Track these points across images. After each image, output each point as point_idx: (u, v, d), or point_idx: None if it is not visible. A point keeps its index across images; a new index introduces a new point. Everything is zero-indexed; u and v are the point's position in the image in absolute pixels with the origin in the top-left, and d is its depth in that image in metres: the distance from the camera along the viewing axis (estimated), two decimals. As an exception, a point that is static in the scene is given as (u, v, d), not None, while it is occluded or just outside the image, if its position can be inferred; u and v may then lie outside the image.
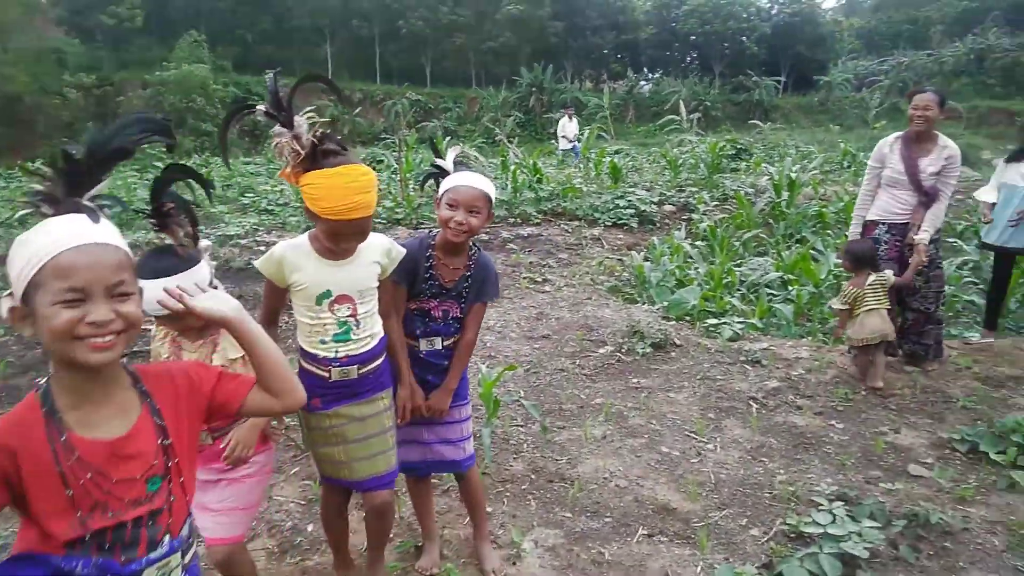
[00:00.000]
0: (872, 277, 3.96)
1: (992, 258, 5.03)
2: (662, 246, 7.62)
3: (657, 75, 48.72)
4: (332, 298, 1.96)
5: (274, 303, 2.05)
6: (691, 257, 7.18)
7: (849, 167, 12.77)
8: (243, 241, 7.55)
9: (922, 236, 3.94)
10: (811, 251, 7.28)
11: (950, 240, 8.13)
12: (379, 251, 2.05)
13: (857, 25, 61.54)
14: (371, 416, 2.07)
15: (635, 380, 4.26)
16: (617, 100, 40.26)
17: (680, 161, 11.60)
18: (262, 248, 7.22)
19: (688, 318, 5.65)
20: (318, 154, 1.81)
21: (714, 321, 5.25)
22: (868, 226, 4.26)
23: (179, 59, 32.57)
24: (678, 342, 4.81)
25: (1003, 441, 3.20)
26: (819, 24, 44.60)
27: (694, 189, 10.29)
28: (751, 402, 3.92)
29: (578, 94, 38.85)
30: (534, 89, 40.35)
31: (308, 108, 1.88)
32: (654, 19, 43.56)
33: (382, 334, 2.11)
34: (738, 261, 7.65)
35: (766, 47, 42.37)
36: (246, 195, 10.89)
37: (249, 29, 39.00)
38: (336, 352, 1.99)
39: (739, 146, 14.53)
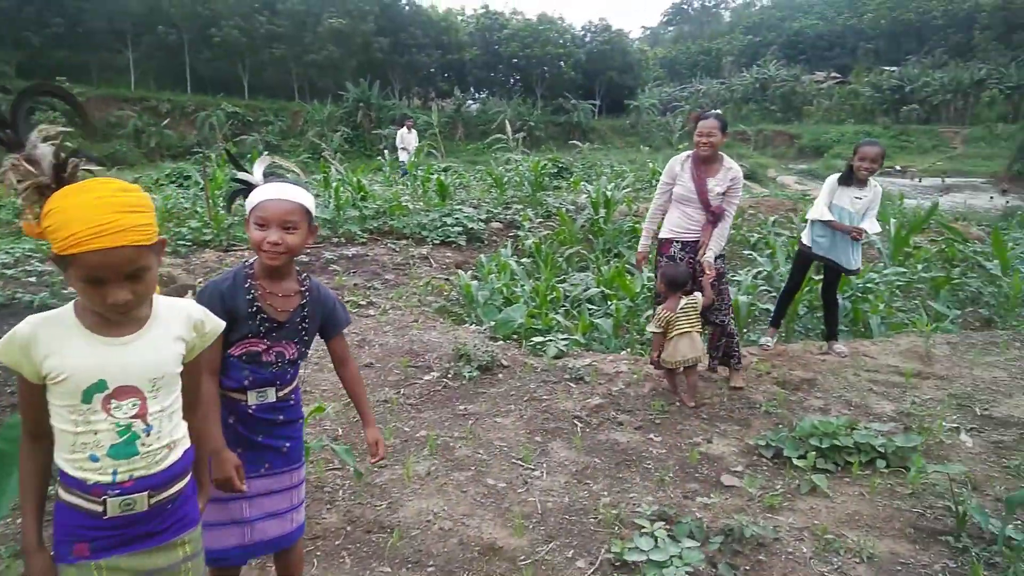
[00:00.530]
0: (683, 300, 4.08)
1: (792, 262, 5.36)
2: (490, 264, 7.60)
3: (484, 95, 49.77)
4: (108, 392, 1.34)
5: (34, 408, 1.38)
6: (517, 274, 7.21)
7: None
8: (10, 272, 6.46)
9: (708, 256, 4.14)
10: (627, 265, 7.59)
11: (746, 252, 8.87)
12: (183, 322, 1.48)
13: (660, 54, 67.11)
14: (166, 571, 1.45)
15: (462, 407, 4.10)
16: (446, 118, 40.55)
17: (505, 179, 11.77)
18: (32, 280, 6.25)
19: (515, 336, 5.61)
20: (64, 182, 1.32)
21: (540, 339, 5.25)
22: (664, 244, 4.36)
23: (-56, 60, 28.22)
24: (505, 363, 4.73)
25: (803, 444, 3.40)
26: (628, 52, 47.86)
27: (520, 206, 10.45)
28: (576, 421, 3.90)
29: (407, 111, 38.61)
30: (361, 104, 39.51)
31: (37, 128, 1.45)
32: (477, 40, 44.46)
33: (187, 444, 1.50)
34: (562, 277, 7.81)
35: (581, 72, 44.73)
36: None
37: (36, 31, 34.65)
38: (114, 474, 1.36)
39: (560, 165, 15.08)
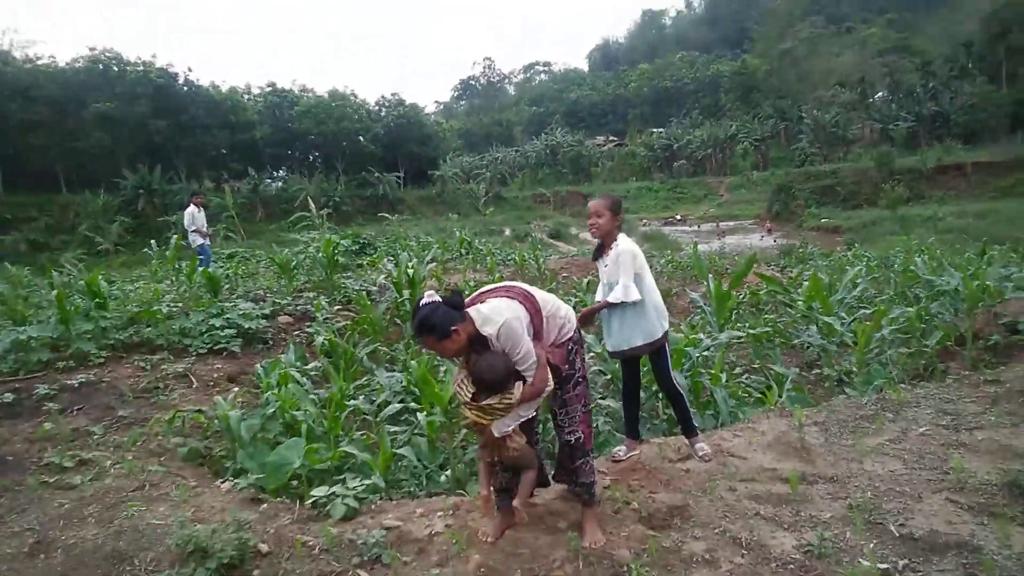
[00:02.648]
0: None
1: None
2: (269, 375, 5.86)
3: (282, 173, 47.16)
4: None
5: None
6: (303, 386, 5.54)
7: (467, 254, 12.62)
8: None
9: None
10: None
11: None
12: None
13: (456, 126, 68.66)
14: None
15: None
16: (242, 199, 37.57)
17: (294, 263, 9.98)
18: None
19: (292, 488, 4.00)
20: None
21: (323, 491, 3.67)
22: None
23: None
24: (265, 548, 3.11)
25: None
26: (424, 125, 48.04)
27: (312, 294, 8.79)
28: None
29: (196, 189, 35.19)
30: (142, 191, 35.49)
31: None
32: (267, 119, 42.16)
33: None
34: (365, 379, 6.29)
35: (381, 145, 44.03)
36: None
37: None
38: None
39: (362, 240, 13.60)
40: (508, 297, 2.91)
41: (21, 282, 7.75)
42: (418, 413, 4.78)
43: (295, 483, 4.04)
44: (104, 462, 4.32)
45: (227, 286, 10.07)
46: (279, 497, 3.95)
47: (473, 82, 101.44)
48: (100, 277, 8.24)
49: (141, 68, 36.50)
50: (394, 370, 6.42)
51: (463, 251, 13.16)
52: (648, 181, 52.97)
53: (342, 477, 3.98)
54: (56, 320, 6.83)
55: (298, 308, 8.37)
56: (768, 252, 18.39)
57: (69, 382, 5.93)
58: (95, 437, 4.76)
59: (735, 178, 51.48)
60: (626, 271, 3.71)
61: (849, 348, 6.49)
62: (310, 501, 3.59)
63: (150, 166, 34.36)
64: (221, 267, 11.86)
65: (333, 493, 3.59)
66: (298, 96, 43.60)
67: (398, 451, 4.21)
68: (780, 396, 5.17)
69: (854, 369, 6.03)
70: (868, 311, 7.64)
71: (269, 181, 41.62)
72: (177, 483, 3.96)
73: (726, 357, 6.36)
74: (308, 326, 7.95)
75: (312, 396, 5.34)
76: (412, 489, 4.14)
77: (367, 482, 3.77)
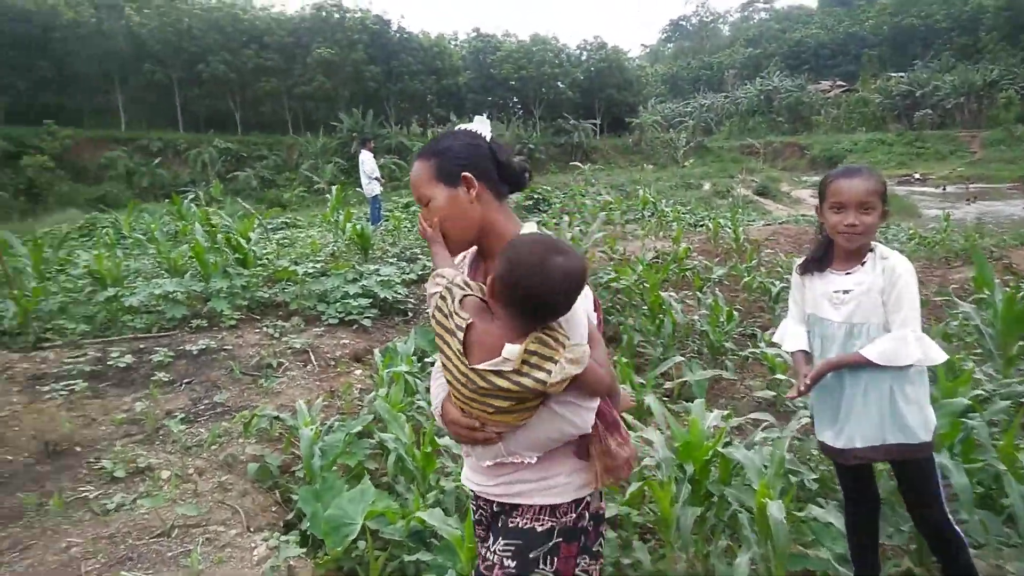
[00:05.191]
0: None
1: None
2: (385, 361, 4.83)
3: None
4: None
5: None
6: (414, 388, 4.41)
7: (651, 217, 10.86)
8: None
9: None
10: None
11: (762, 312, 6.08)
12: None
13: (661, 71, 64.64)
14: None
15: None
16: (442, 144, 38.26)
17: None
18: None
19: (355, 555, 2.90)
20: None
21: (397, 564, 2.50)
22: None
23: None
24: None
25: None
26: (626, 70, 45.32)
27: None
28: None
29: (403, 138, 36.40)
30: (354, 135, 37.37)
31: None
32: (471, 64, 42.17)
33: None
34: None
35: (580, 91, 42.31)
36: None
37: (23, 76, 32.83)
38: None
39: (537, 195, 12.37)
40: None
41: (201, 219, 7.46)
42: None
43: (354, 554, 2.92)
44: (161, 474, 3.53)
45: (389, 241, 9.40)
46: (342, 567, 2.89)
47: (684, 22, 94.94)
48: (256, 225, 7.83)
49: (359, 15, 38.05)
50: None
51: (645, 213, 11.36)
52: (881, 132, 45.72)
53: (415, 559, 2.80)
54: (203, 275, 6.42)
55: (448, 275, 7.36)
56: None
57: (190, 348, 5.40)
58: (173, 433, 4.02)
59: (992, 132, 42.58)
60: (912, 308, 2.03)
61: None
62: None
63: (363, 111, 35.92)
64: (388, 219, 11.30)
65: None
66: (500, 41, 43.09)
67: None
68: None
69: None
70: None
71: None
72: (211, 532, 3.01)
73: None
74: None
75: (422, 403, 4.19)
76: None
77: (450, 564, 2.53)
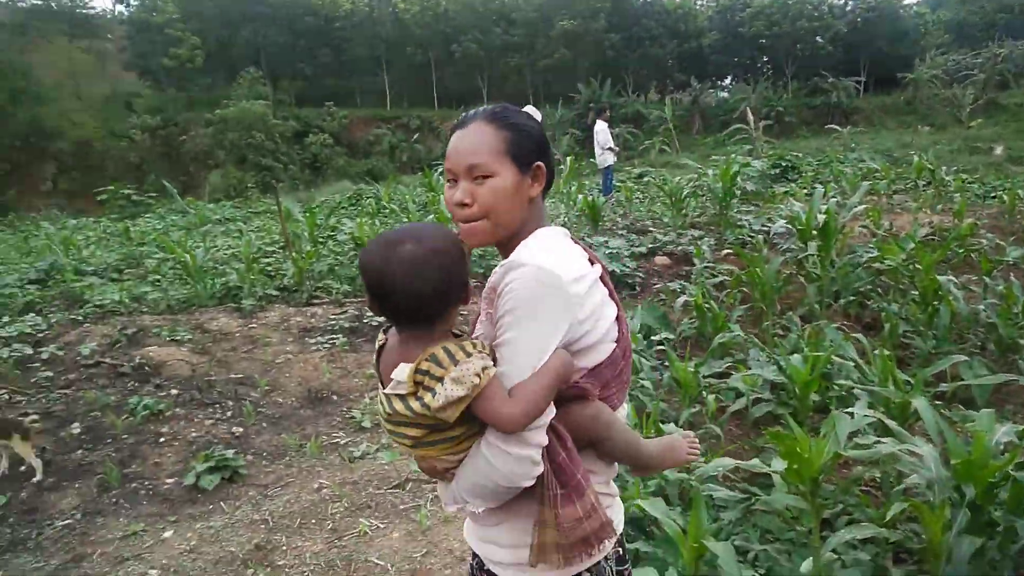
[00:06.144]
0: None
1: None
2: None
3: (726, 82, 44.84)
4: None
5: None
6: (639, 357, 4.22)
7: (927, 186, 9.28)
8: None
9: None
10: (849, 340, 4.24)
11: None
12: None
13: (945, 17, 54.98)
14: None
15: None
16: (681, 111, 36.84)
17: (684, 192, 8.37)
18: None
19: None
20: None
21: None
22: None
23: (239, 96, 31.89)
24: None
25: None
26: (900, 19, 39.34)
27: (698, 233, 7.28)
28: None
29: (639, 106, 35.77)
30: (591, 105, 37.53)
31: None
32: (717, 24, 39.71)
33: None
34: (730, 359, 4.67)
35: (842, 46, 37.74)
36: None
37: (309, 63, 38.23)
38: None
39: (785, 163, 11.25)
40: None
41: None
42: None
43: None
44: (367, 448, 3.72)
45: (620, 212, 9.23)
46: None
47: (981, -44, 79.74)
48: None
49: (603, -16, 37.90)
50: (774, 355, 4.59)
51: (919, 182, 9.69)
52: None
53: (634, 547, 2.66)
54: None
55: (680, 248, 6.99)
56: None
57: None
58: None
59: None
60: None
61: None
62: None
63: (600, 81, 35.89)
64: (619, 189, 11.07)
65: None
66: (752, -4, 39.99)
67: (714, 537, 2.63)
68: None
69: None
70: None
71: (711, 91, 39.92)
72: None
73: None
74: (688, 271, 6.54)
75: (645, 382, 4.01)
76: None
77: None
